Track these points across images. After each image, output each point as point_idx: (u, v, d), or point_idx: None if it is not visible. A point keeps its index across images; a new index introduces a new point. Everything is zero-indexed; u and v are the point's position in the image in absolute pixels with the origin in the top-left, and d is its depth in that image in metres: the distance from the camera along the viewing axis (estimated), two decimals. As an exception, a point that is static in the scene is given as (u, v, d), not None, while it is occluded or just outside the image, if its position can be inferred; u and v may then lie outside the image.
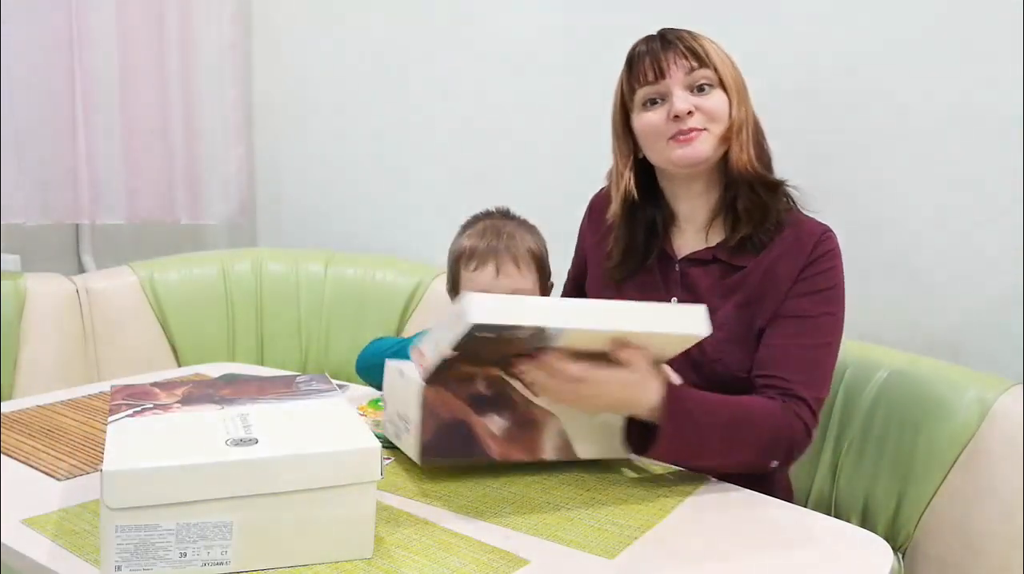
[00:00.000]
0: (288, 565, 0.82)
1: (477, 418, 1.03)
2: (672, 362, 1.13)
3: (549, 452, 1.06)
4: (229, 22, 2.19)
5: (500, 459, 1.05)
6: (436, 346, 0.97)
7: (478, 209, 1.45)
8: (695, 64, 1.15)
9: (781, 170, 1.24)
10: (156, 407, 0.94)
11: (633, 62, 1.20)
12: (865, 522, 1.32)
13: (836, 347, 1.16)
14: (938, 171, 1.42)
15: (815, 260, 1.16)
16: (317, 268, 2.01)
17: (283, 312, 1.99)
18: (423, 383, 1.01)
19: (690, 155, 1.16)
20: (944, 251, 1.42)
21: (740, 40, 1.24)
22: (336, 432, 0.89)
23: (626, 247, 1.25)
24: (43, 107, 1.89)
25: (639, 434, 1.06)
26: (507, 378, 1.02)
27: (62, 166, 1.93)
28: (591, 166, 1.38)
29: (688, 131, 1.15)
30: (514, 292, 1.23)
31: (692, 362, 1.14)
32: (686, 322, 1.00)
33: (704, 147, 1.16)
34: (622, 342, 0.98)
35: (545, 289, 1.31)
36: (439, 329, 0.97)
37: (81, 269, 2.11)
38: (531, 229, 1.34)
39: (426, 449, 1.02)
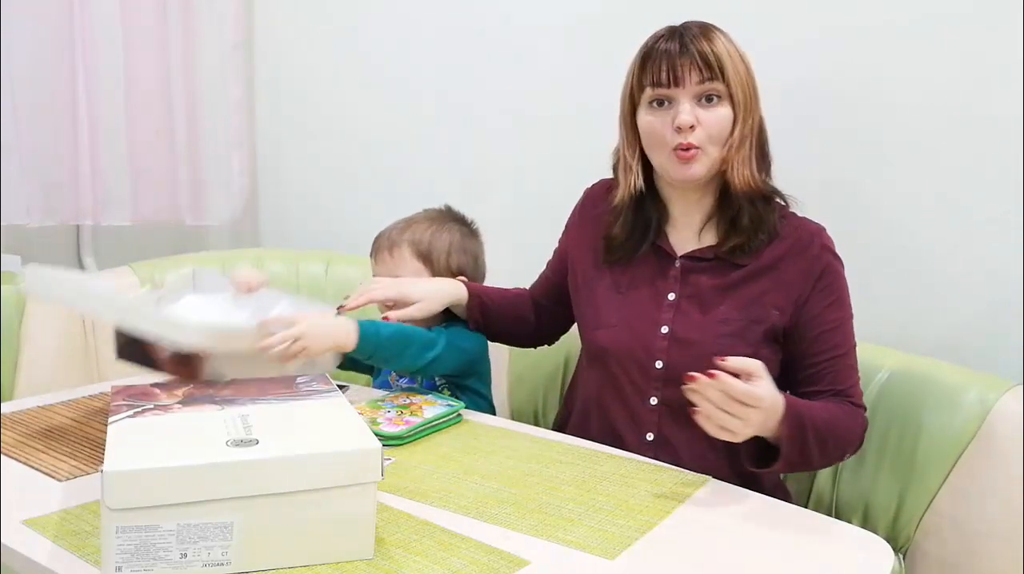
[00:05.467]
0: (289, 566, 0.82)
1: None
2: (676, 353, 1.18)
3: (207, 374, 1.14)
4: (232, 23, 2.19)
5: (171, 376, 1.15)
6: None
7: (478, 209, 1.45)
8: (707, 75, 1.15)
9: (781, 170, 1.24)
10: (156, 408, 0.94)
11: (647, 60, 1.18)
12: (866, 523, 1.32)
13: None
14: (938, 171, 1.42)
15: (826, 268, 1.19)
16: (317, 268, 2.01)
17: (284, 313, 1.98)
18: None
19: (686, 176, 1.18)
20: (944, 251, 1.42)
21: (739, 38, 1.23)
22: (336, 432, 0.89)
23: (627, 235, 1.25)
24: (46, 107, 1.89)
25: (752, 453, 1.10)
26: None
27: (65, 167, 1.93)
28: (591, 166, 1.37)
29: (687, 147, 1.15)
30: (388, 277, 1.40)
31: (693, 354, 1.17)
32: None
33: (700, 169, 1.17)
34: (749, 372, 0.99)
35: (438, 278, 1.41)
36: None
37: (82, 270, 2.10)
38: (443, 225, 1.43)
39: (120, 350, 1.19)
